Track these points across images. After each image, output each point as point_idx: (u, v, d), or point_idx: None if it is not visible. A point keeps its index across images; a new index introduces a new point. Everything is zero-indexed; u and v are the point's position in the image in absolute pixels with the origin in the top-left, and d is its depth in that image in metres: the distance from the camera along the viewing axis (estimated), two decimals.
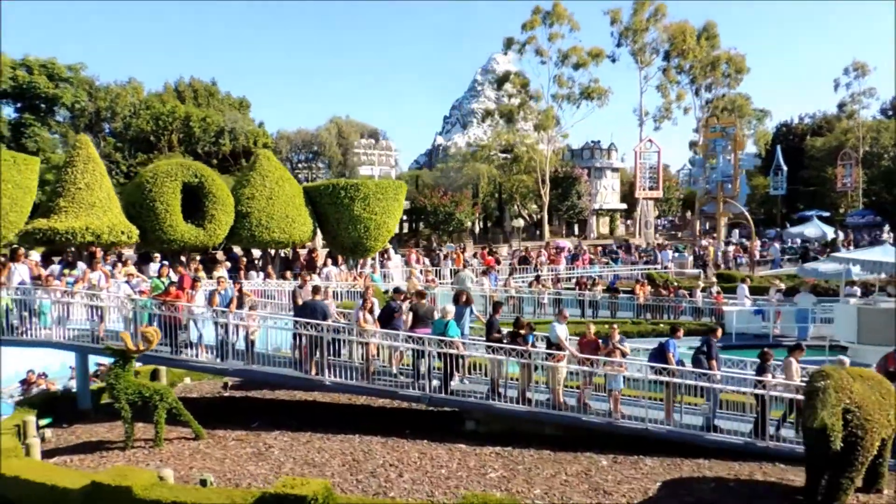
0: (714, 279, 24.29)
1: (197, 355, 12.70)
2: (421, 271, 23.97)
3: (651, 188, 49.73)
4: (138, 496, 8.47)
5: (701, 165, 33.39)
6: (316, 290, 12.18)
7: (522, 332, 11.52)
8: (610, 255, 31.34)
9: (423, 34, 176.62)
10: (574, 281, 25.68)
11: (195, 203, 22.10)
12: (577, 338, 12.10)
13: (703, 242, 42.01)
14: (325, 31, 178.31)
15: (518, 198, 59.34)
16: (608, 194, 60.44)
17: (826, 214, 60.65)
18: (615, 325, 11.96)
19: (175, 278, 14.67)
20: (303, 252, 26.69)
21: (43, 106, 44.41)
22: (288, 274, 22.43)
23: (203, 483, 9.23)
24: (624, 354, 11.45)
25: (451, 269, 28.51)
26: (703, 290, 23.35)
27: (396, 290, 12.89)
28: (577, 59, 47.46)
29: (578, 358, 11.07)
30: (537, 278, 24.12)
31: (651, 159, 49.81)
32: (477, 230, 54.15)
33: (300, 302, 13.17)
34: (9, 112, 44.15)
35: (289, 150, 53.24)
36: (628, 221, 69.22)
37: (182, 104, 49.27)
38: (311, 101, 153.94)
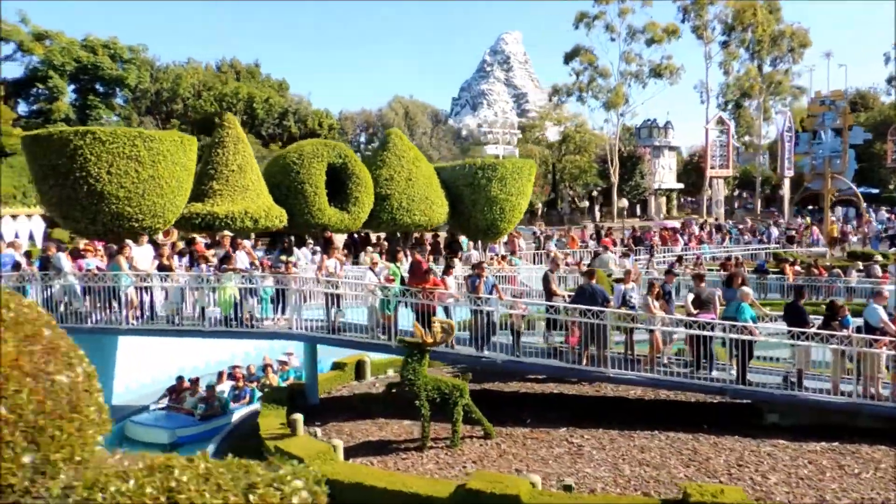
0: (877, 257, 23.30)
1: (451, 345, 11.81)
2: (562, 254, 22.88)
3: (721, 166, 48.60)
4: None
5: (808, 142, 32.22)
6: (591, 273, 11.22)
7: (839, 317, 10.58)
8: (728, 233, 30.36)
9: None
10: (718, 262, 24.67)
11: (336, 185, 21.06)
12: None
13: (780, 220, 41.07)
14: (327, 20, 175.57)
15: (568, 178, 58.24)
16: (665, 173, 59.34)
17: (875, 191, 59.36)
18: None
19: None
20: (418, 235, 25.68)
21: (103, 88, 43.11)
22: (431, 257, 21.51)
23: (567, 489, 8.37)
24: None
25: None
26: (860, 270, 22.36)
27: (668, 273, 11.94)
28: (652, 35, 46.00)
29: None
30: (679, 259, 23.12)
31: (721, 137, 48.65)
32: (540, 212, 53.07)
33: (554, 287, 12.26)
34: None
35: (354, 131, 51.83)
36: (681, 200, 68.09)
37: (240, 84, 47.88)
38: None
